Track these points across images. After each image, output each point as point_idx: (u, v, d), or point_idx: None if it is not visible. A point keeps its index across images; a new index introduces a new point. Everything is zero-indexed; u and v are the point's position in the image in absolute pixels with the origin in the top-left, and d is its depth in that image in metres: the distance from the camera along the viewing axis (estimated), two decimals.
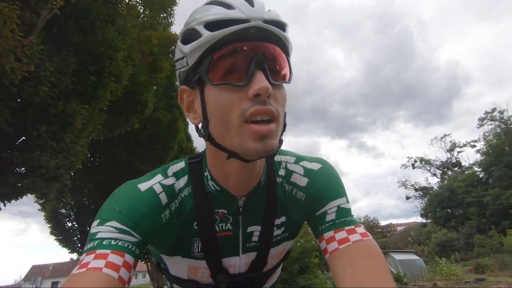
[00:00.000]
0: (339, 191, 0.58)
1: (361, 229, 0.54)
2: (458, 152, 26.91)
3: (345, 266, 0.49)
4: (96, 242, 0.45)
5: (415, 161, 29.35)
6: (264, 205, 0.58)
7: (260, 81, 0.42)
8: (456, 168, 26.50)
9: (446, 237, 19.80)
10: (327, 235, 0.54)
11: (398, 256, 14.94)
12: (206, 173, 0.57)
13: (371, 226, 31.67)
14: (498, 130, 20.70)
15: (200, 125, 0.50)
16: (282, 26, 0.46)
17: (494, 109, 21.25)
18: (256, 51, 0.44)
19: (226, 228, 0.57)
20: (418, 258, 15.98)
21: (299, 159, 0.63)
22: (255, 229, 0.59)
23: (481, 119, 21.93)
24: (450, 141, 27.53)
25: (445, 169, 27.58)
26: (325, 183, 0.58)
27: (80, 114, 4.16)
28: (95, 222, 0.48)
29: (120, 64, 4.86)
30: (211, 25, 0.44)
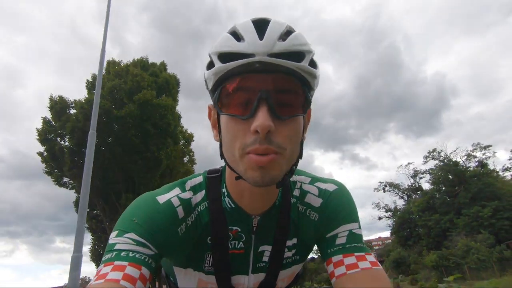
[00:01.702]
0: (352, 216, 0.58)
1: (371, 258, 0.53)
2: (420, 178, 31.26)
3: None
4: (114, 253, 0.46)
5: (385, 186, 33.76)
6: (276, 225, 0.58)
7: (260, 118, 0.42)
8: (418, 192, 30.82)
9: (399, 255, 23.94)
10: (336, 258, 0.53)
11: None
12: (224, 190, 0.57)
13: None
14: (440, 165, 25.26)
15: (219, 144, 0.51)
16: (296, 56, 0.45)
17: (434, 149, 26.07)
18: (262, 84, 0.44)
19: (238, 246, 0.57)
20: None
21: (314, 179, 0.63)
22: (266, 249, 0.59)
23: (425, 157, 26.76)
24: (413, 169, 31.92)
25: (410, 193, 31.91)
26: (339, 206, 0.58)
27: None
28: (114, 233, 0.49)
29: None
30: (223, 57, 0.45)
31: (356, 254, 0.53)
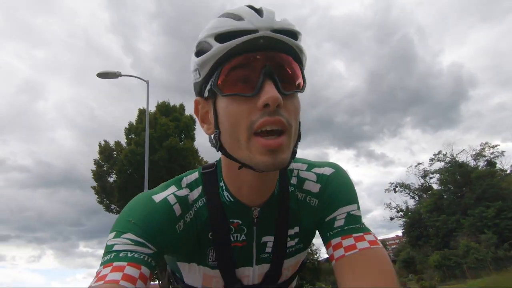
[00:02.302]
0: (350, 198, 0.58)
1: (370, 237, 0.52)
2: (430, 178, 31.97)
3: (349, 273, 0.48)
4: (113, 254, 0.45)
5: (396, 186, 34.69)
6: (277, 214, 0.58)
7: (269, 91, 0.42)
8: (429, 192, 31.60)
9: (408, 255, 25.15)
10: (334, 241, 0.53)
11: None
12: (221, 184, 0.57)
13: None
14: (446, 167, 26.11)
15: (212, 136, 0.50)
16: (293, 34, 0.46)
17: (440, 151, 26.84)
18: (265, 61, 0.44)
19: (240, 238, 0.57)
20: None
21: (311, 166, 0.62)
22: (269, 240, 0.59)
23: (431, 159, 27.59)
24: (423, 169, 32.74)
25: (421, 193, 32.66)
26: (337, 189, 0.58)
27: None
28: (111, 235, 0.48)
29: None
30: (221, 37, 0.44)
31: (354, 235, 0.52)
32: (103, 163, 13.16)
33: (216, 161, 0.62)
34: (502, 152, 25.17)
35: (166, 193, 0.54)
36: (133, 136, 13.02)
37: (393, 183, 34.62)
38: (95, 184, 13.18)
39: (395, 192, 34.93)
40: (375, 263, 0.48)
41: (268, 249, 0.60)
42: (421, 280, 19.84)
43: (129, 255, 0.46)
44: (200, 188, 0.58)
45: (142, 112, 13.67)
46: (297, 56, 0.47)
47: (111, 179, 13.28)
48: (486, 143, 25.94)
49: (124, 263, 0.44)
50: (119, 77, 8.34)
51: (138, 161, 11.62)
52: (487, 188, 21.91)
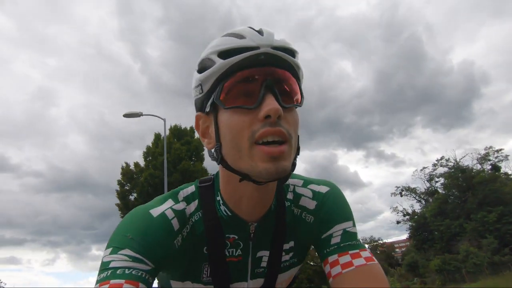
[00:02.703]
0: (346, 215, 0.59)
1: (366, 253, 0.54)
2: (435, 182, 32.40)
3: None
4: (110, 271, 0.44)
5: (402, 190, 35.23)
6: (273, 229, 0.58)
7: (270, 103, 0.44)
8: (434, 196, 32.05)
9: (412, 259, 25.81)
10: (331, 258, 0.54)
11: None
12: (218, 198, 0.57)
13: (375, 246, 37.07)
14: (449, 172, 26.68)
15: (213, 149, 0.51)
16: (291, 52, 0.48)
17: (442, 157, 27.41)
18: (266, 76, 0.46)
19: (236, 253, 0.57)
20: None
21: (306, 182, 0.63)
22: (264, 254, 0.59)
23: (434, 164, 28.19)
24: (428, 173, 33.23)
25: (427, 197, 33.10)
26: (333, 206, 0.59)
27: None
28: (107, 251, 0.47)
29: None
30: (224, 54, 0.47)
31: (350, 252, 0.53)
32: (125, 183, 15.09)
33: (213, 174, 0.62)
34: (506, 156, 25.49)
35: (164, 207, 0.54)
36: (151, 159, 14.83)
37: (399, 187, 35.20)
38: (117, 200, 15.13)
39: (401, 196, 35.41)
40: (372, 281, 0.50)
41: (263, 264, 0.60)
42: (424, 283, 20.65)
43: (126, 272, 0.44)
44: (196, 201, 0.58)
45: (157, 137, 15.50)
46: (295, 73, 0.50)
47: (132, 197, 15.19)
48: (491, 147, 26.33)
49: (122, 281, 0.43)
50: (140, 116, 9.77)
51: (156, 183, 13.38)
52: (488, 193, 22.35)
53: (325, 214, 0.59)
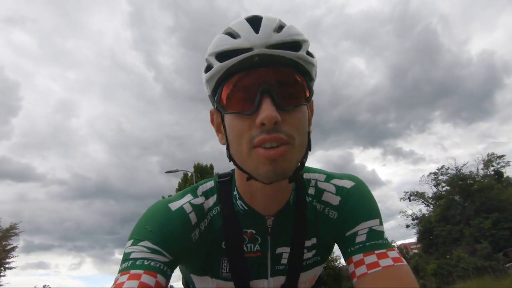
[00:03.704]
0: (373, 212, 0.56)
1: (393, 253, 0.51)
2: (442, 187, 33.52)
3: None
4: (130, 262, 0.46)
5: (410, 195, 36.56)
6: (292, 224, 0.57)
7: (265, 111, 0.42)
8: (437, 203, 33.24)
9: (416, 262, 27.42)
10: (356, 258, 0.52)
11: None
12: (235, 192, 0.57)
13: None
14: (448, 180, 28.08)
15: (225, 147, 0.51)
16: (294, 46, 0.45)
17: (443, 166, 28.99)
18: (262, 78, 0.44)
19: (255, 249, 0.57)
20: None
21: (329, 177, 0.62)
22: (284, 251, 0.58)
23: (435, 173, 29.58)
24: (434, 178, 34.51)
25: (435, 201, 34.23)
26: (358, 203, 0.57)
27: None
28: (129, 242, 0.49)
29: None
30: (220, 56, 0.45)
31: (376, 252, 0.51)
32: None
33: (232, 170, 0.62)
34: (508, 162, 26.29)
35: (182, 202, 0.55)
36: None
37: (408, 192, 36.46)
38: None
39: (410, 201, 36.64)
40: (399, 283, 0.47)
41: (284, 261, 0.59)
42: (423, 286, 22.57)
43: (145, 263, 0.46)
44: (215, 196, 0.59)
45: (185, 176, 19.14)
46: (300, 67, 0.47)
47: None
48: (493, 153, 27.27)
49: (141, 271, 0.45)
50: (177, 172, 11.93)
51: None
52: (485, 200, 23.58)
53: (349, 211, 0.57)
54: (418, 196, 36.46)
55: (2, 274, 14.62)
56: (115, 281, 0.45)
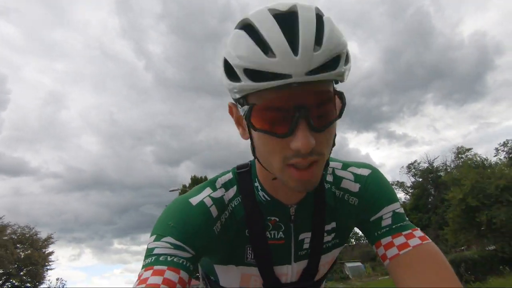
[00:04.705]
0: (392, 196, 0.59)
1: (419, 233, 0.54)
2: (417, 179, 36.89)
3: (407, 272, 0.49)
4: (154, 258, 0.47)
5: (392, 184, 40.10)
6: (313, 211, 0.59)
7: (301, 138, 0.41)
8: (412, 191, 36.73)
9: None
10: (385, 240, 0.54)
11: (348, 264, 28.42)
12: (257, 184, 0.58)
13: None
14: (418, 173, 31.40)
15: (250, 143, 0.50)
16: (334, 63, 0.41)
17: (415, 161, 32.16)
18: (298, 100, 0.41)
19: (278, 236, 0.58)
20: (361, 264, 28.94)
21: (346, 165, 0.64)
22: (306, 236, 0.60)
23: (408, 167, 32.70)
24: (409, 171, 37.73)
25: (412, 191, 37.75)
26: (378, 189, 0.59)
27: None
28: (152, 238, 0.50)
29: None
30: (251, 73, 0.41)
31: (403, 233, 0.53)
32: None
33: (250, 161, 0.63)
34: (475, 154, 29.32)
35: (202, 196, 0.56)
36: None
37: (390, 181, 39.82)
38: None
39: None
40: (432, 259, 0.49)
41: (306, 246, 0.61)
42: None
43: (168, 259, 0.47)
44: (235, 187, 0.59)
45: (193, 180, 22.19)
46: (337, 81, 0.46)
47: None
48: (462, 146, 30.31)
49: (164, 267, 0.46)
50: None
51: None
52: (447, 192, 27.03)
53: (371, 197, 0.59)
54: (398, 185, 39.98)
55: (44, 274, 18.85)
56: (139, 276, 0.46)
